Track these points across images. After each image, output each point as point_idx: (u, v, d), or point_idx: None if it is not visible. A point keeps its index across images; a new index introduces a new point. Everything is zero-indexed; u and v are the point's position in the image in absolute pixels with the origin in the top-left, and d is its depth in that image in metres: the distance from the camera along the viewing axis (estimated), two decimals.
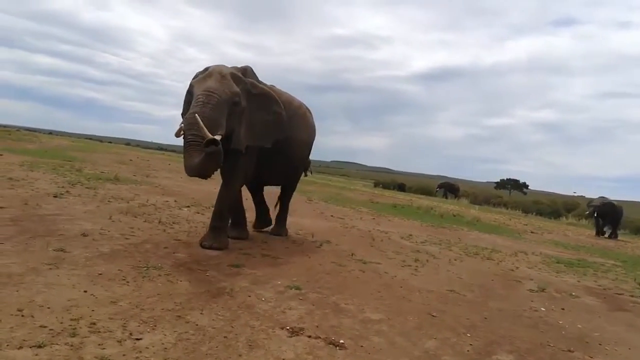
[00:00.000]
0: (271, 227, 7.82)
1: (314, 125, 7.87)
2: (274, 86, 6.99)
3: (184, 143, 5.25)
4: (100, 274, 4.11)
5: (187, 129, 5.17)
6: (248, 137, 6.04)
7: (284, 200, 7.97)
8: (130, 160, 18.35)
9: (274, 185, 7.84)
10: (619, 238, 19.28)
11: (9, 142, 17.34)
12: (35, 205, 6.55)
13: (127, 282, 4.03)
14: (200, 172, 5.20)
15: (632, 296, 7.08)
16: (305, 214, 10.82)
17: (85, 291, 3.64)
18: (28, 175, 9.17)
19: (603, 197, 20.25)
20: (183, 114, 6.05)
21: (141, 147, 56.73)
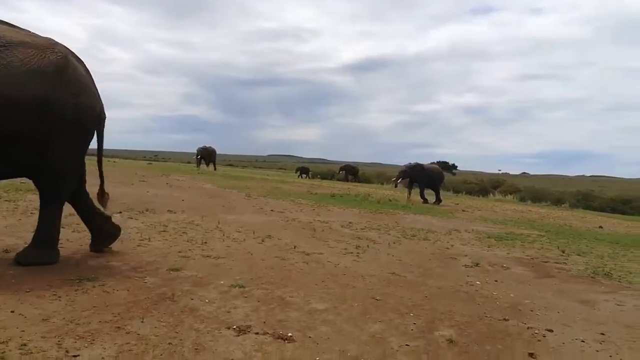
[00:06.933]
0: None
1: (75, 80, 4.69)
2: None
3: None
4: (29, 291, 3.85)
5: None
6: None
7: (41, 208, 5.02)
8: None
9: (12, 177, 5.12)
10: (442, 202, 18.84)
11: None
12: None
13: (59, 297, 3.81)
14: None
15: (556, 263, 7.63)
16: (244, 211, 10.70)
17: (12, 311, 3.40)
18: None
19: (417, 162, 19.28)
20: None
21: None
